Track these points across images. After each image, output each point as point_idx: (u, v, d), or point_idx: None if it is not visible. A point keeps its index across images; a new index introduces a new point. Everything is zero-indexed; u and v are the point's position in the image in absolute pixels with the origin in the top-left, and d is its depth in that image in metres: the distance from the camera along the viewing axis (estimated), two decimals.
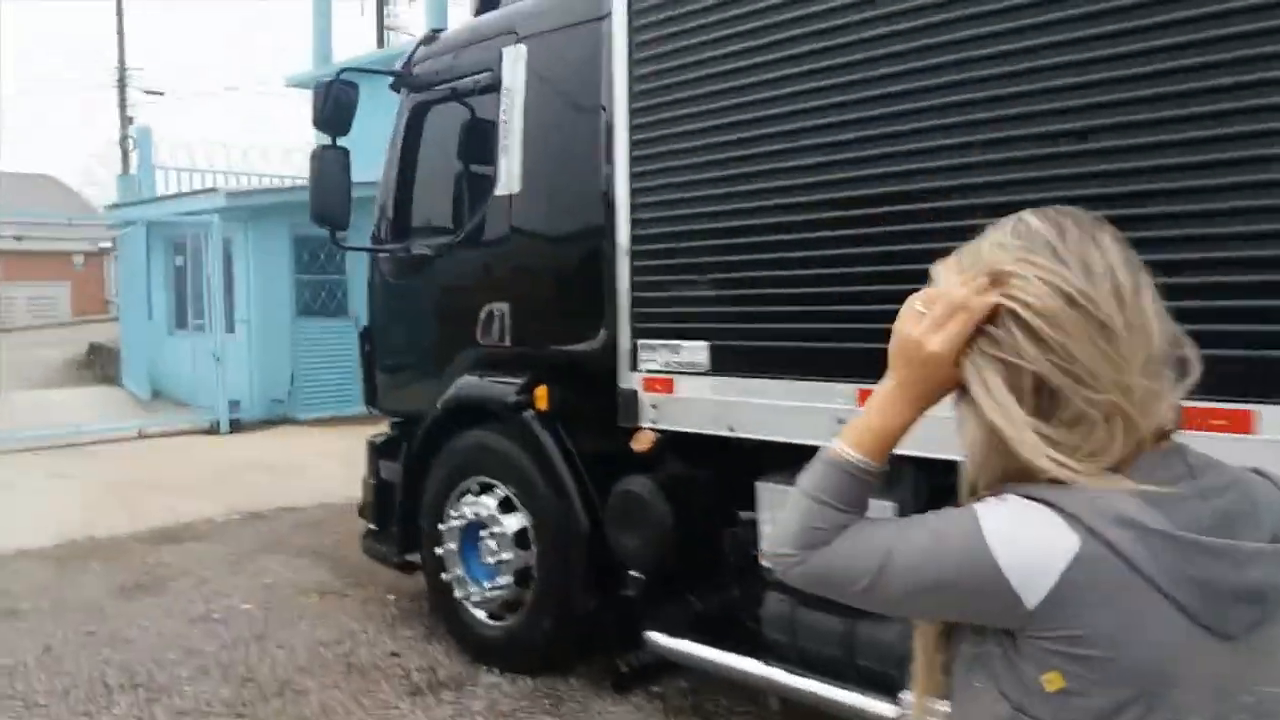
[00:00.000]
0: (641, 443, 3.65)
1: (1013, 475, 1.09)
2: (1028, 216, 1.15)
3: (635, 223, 3.68)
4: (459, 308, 4.80)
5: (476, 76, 4.70)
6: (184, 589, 5.95)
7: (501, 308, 4.51)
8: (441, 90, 4.91)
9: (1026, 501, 1.06)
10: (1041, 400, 1.08)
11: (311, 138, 6.35)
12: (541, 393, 4.21)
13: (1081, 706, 1.04)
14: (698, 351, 3.45)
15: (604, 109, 3.89)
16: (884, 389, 1.18)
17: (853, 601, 1.17)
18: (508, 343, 4.49)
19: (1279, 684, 1.08)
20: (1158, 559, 1.01)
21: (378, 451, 5.34)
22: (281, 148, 21.33)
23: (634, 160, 3.66)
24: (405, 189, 5.12)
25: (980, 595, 1.06)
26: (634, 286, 3.68)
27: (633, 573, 3.82)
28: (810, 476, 1.19)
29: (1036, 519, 1.04)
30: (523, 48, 4.43)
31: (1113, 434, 1.06)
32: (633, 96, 3.68)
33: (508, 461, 4.37)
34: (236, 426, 13.06)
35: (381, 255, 5.13)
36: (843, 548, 1.15)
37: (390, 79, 5.16)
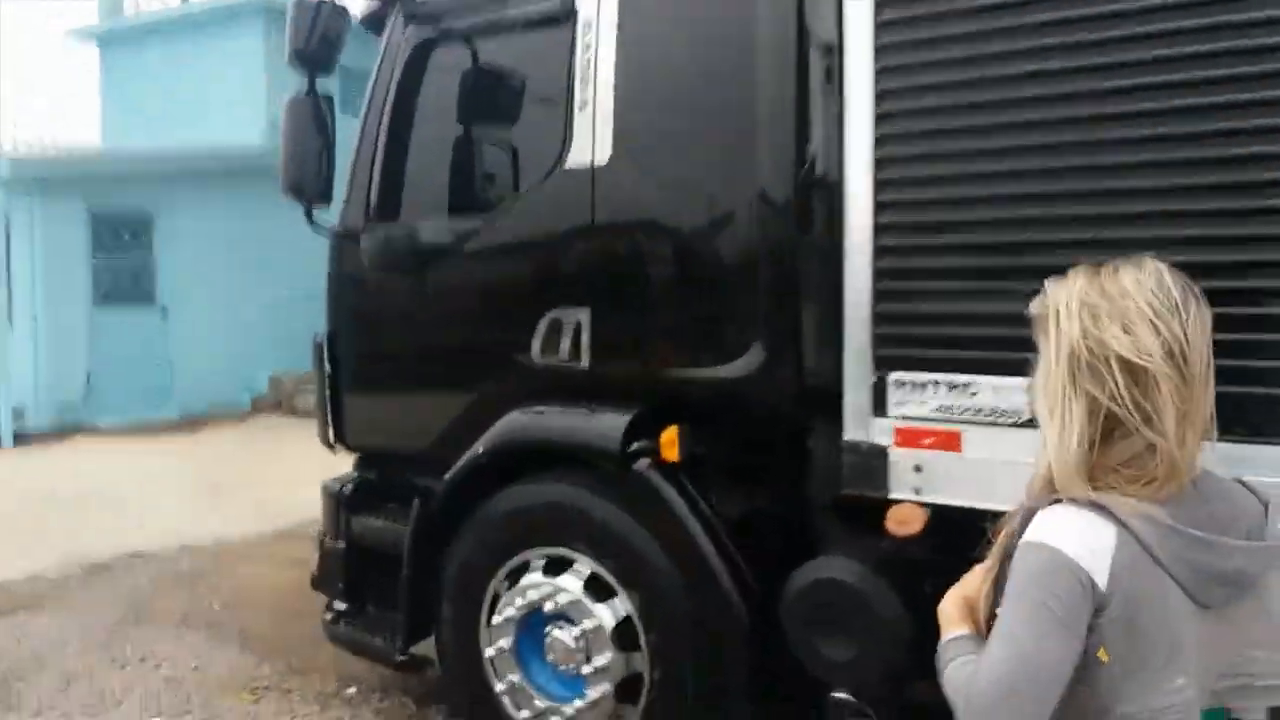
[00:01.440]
0: (908, 523, 2.57)
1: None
2: (1161, 268, 1.43)
3: (882, 207, 2.59)
4: (497, 314, 3.54)
5: (527, 5, 3.45)
6: (44, 697, 4.28)
7: (576, 316, 3.30)
8: (463, 23, 3.61)
9: (1070, 506, 1.37)
10: (1113, 432, 1.39)
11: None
12: (671, 437, 3.06)
13: (1120, 673, 1.34)
14: (1011, 391, 2.42)
15: (817, 51, 2.81)
16: None
17: None
18: (584, 362, 3.29)
19: (1247, 648, 1.46)
20: (1166, 547, 1.34)
21: (345, 504, 3.96)
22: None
23: (882, 120, 2.58)
24: (398, 153, 3.74)
25: (1072, 594, 1.32)
26: (879, 296, 2.59)
27: (839, 695, 2.75)
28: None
29: (1080, 517, 1.36)
30: None
31: (1160, 472, 1.37)
32: (880, 29, 2.59)
33: (604, 529, 3.16)
34: (21, 439, 10.73)
35: (364, 242, 3.75)
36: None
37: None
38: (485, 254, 3.54)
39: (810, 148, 2.84)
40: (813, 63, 2.88)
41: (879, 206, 2.61)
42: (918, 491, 2.60)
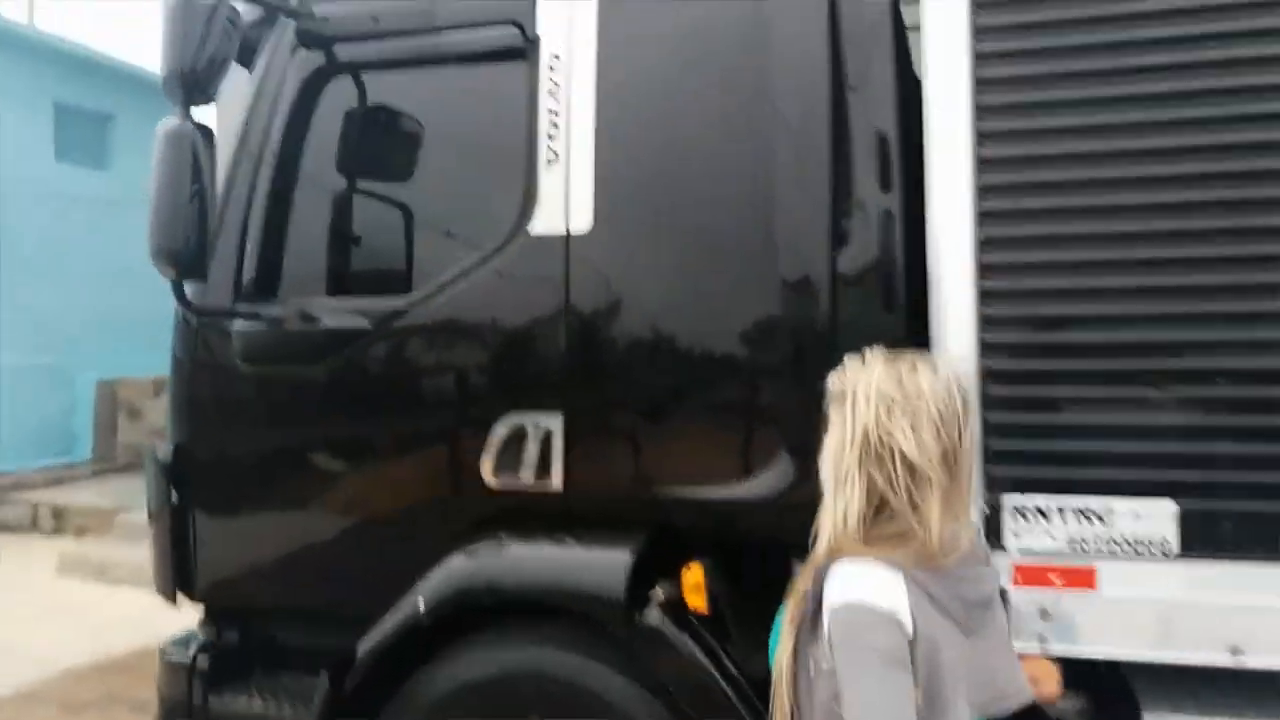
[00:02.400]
0: (1037, 682, 2.02)
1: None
2: (951, 377, 1.62)
3: (988, 297, 2.10)
4: (432, 421, 2.77)
5: (467, 31, 2.77)
6: None
7: (544, 423, 2.59)
8: (375, 50, 2.87)
9: (858, 561, 1.54)
10: (885, 509, 1.58)
11: None
12: (697, 578, 2.39)
13: (925, 706, 1.48)
14: (1156, 518, 1.95)
15: (894, 98, 2.34)
16: None
17: None
18: (555, 483, 2.58)
19: (992, 661, 1.63)
20: (939, 588, 1.54)
21: (202, 679, 2.95)
22: None
23: (986, 193, 2.10)
24: (281, 214, 2.91)
25: (894, 639, 1.48)
26: (988, 403, 2.08)
27: None
28: None
29: (872, 571, 1.52)
30: None
31: (919, 547, 1.53)
32: (979, 60, 2.12)
33: (598, 702, 2.43)
34: None
35: (237, 326, 2.86)
36: None
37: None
38: (414, 343, 2.77)
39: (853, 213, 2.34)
40: (854, 109, 2.39)
41: (984, 296, 2.12)
42: (1044, 641, 2.08)
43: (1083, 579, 2.06)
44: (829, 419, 1.65)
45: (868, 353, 1.65)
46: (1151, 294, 2.04)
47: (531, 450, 2.61)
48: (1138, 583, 2.03)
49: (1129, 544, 2.02)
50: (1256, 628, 1.98)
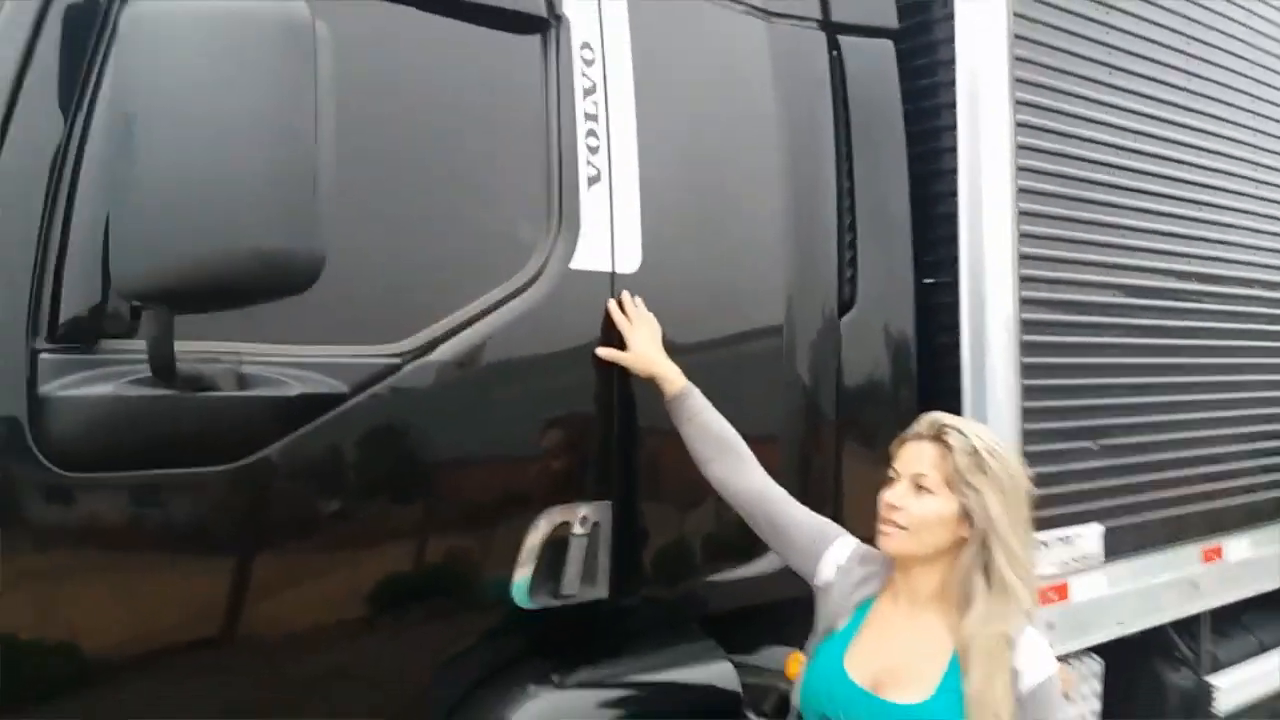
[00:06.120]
0: (1065, 684, 2.41)
1: None
2: None
3: (1030, 349, 2.45)
4: (432, 525, 1.85)
5: None
6: None
7: (589, 515, 2.01)
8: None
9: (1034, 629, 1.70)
10: None
11: None
12: (796, 664, 2.14)
13: None
14: (1093, 539, 2.55)
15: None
16: None
17: None
18: (602, 589, 2.03)
19: None
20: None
21: None
22: None
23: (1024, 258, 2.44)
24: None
25: None
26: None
27: None
28: None
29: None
30: None
31: None
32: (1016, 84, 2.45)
33: None
34: None
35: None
36: None
37: None
38: (397, 409, 1.80)
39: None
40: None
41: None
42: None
43: (1064, 593, 2.60)
44: (962, 481, 1.65)
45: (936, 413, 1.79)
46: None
47: (575, 553, 1.99)
48: (1090, 588, 2.65)
49: (1083, 560, 2.63)
50: (1128, 604, 2.80)
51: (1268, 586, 3.36)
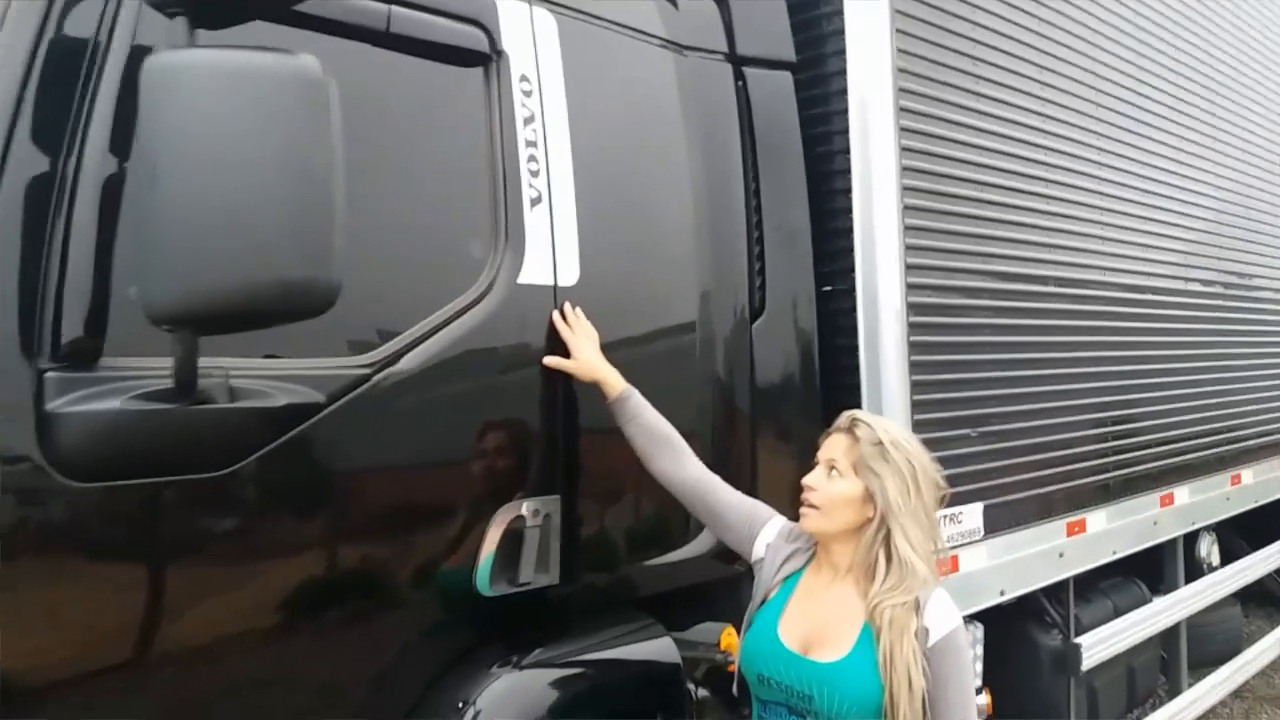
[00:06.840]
0: None
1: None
2: None
3: (917, 348, 2.74)
4: (400, 519, 2.00)
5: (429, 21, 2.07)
6: None
7: (543, 509, 2.19)
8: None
9: (941, 589, 1.92)
10: None
11: None
12: (731, 638, 2.38)
13: None
14: (975, 516, 2.87)
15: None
16: None
17: None
18: (553, 575, 2.23)
19: None
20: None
21: None
22: None
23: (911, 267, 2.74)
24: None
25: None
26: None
27: None
28: None
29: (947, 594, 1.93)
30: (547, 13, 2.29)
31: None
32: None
33: None
34: None
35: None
36: None
37: None
38: (368, 415, 1.94)
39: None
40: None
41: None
42: None
43: (955, 565, 2.91)
44: (866, 467, 1.89)
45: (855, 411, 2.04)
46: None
47: (531, 544, 2.17)
48: (974, 560, 2.98)
49: (968, 535, 2.95)
50: (1009, 573, 3.15)
51: (1122, 552, 3.79)
